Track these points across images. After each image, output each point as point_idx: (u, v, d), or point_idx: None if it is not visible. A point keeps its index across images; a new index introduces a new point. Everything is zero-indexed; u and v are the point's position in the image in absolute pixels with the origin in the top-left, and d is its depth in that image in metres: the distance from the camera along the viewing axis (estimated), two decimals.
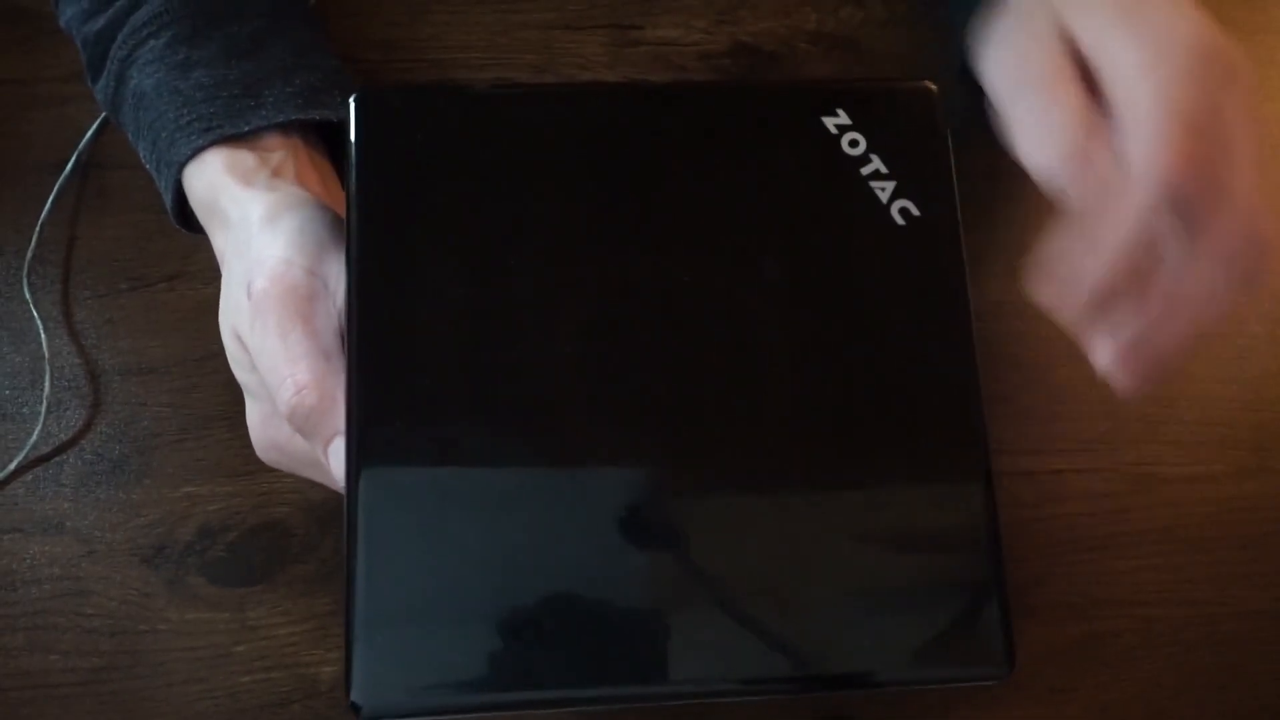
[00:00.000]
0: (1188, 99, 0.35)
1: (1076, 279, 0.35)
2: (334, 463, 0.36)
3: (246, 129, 0.42)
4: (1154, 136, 0.34)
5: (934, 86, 0.39)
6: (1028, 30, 0.38)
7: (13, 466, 0.49)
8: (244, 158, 0.42)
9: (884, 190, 0.38)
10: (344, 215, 0.38)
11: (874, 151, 0.38)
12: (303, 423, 0.37)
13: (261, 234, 0.39)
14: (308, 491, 0.49)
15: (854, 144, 0.38)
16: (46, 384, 0.50)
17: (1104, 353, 0.36)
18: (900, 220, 0.38)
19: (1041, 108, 0.36)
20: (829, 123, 0.38)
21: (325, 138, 0.46)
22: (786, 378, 0.36)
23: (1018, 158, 0.36)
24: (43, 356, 0.50)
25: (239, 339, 0.39)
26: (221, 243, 0.42)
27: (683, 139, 0.38)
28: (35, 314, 0.51)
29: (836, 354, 0.37)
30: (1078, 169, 0.35)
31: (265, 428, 0.41)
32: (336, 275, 0.38)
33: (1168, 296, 0.35)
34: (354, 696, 0.33)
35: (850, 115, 0.38)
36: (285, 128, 0.44)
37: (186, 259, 0.52)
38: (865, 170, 0.38)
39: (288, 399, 0.36)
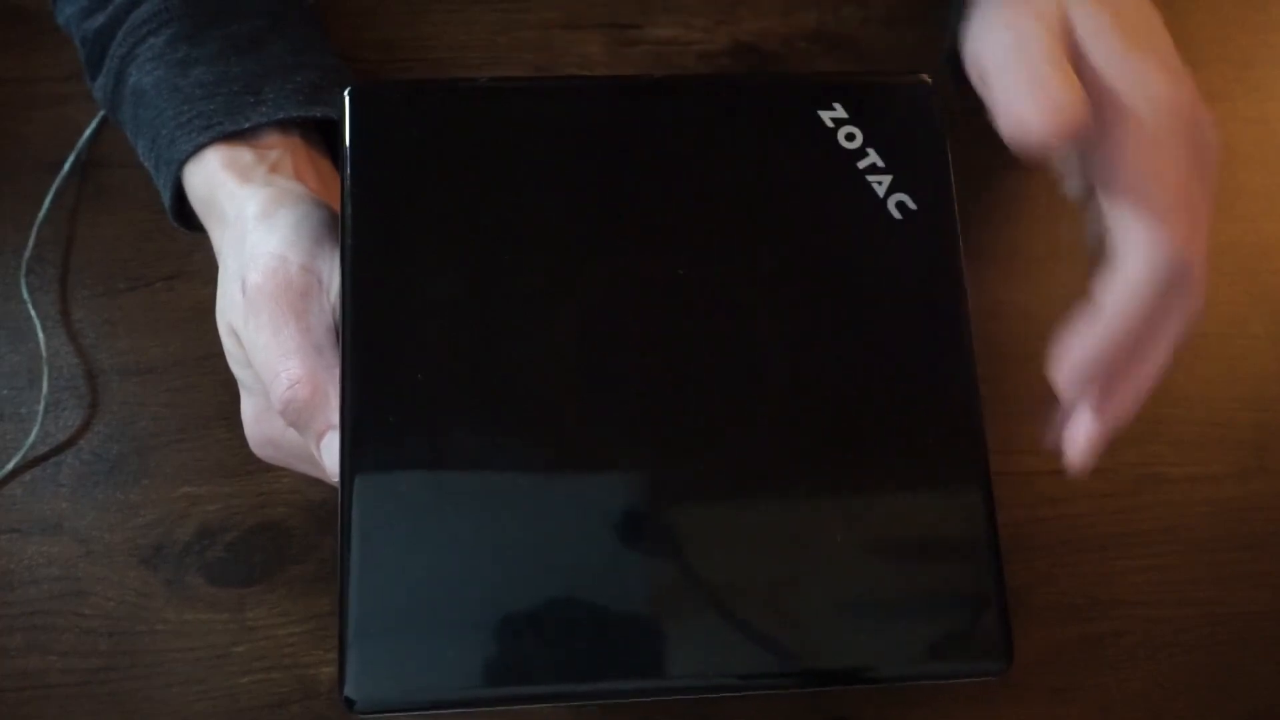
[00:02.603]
0: (1186, 181, 0.36)
1: (1080, 357, 0.36)
2: (327, 456, 0.37)
3: (247, 125, 0.42)
4: (1160, 217, 0.35)
5: (930, 80, 0.39)
6: (1028, 10, 0.37)
7: (10, 467, 0.49)
8: (242, 154, 0.42)
9: (881, 184, 0.38)
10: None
11: (871, 145, 0.38)
12: (296, 416, 0.37)
13: (257, 229, 0.39)
14: (307, 491, 0.49)
15: (850, 137, 0.38)
16: (44, 384, 0.50)
17: (1076, 446, 0.38)
18: (897, 214, 0.38)
19: (1043, 76, 0.35)
20: (826, 116, 0.38)
21: (325, 137, 0.46)
22: (784, 373, 0.36)
23: (1006, 129, 0.36)
24: (41, 356, 0.50)
25: (234, 334, 0.39)
26: (219, 239, 0.42)
27: (679, 133, 0.38)
28: (33, 314, 0.51)
29: (835, 346, 0.37)
30: (1076, 131, 0.35)
31: (259, 423, 0.41)
32: (331, 270, 0.38)
33: (1134, 381, 0.38)
34: (348, 691, 0.33)
35: (847, 109, 0.38)
36: (285, 126, 0.44)
37: (185, 259, 0.52)
38: (862, 164, 0.38)
39: (281, 392, 0.37)
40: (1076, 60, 0.37)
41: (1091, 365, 0.36)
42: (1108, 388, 0.38)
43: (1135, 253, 0.36)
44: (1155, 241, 0.35)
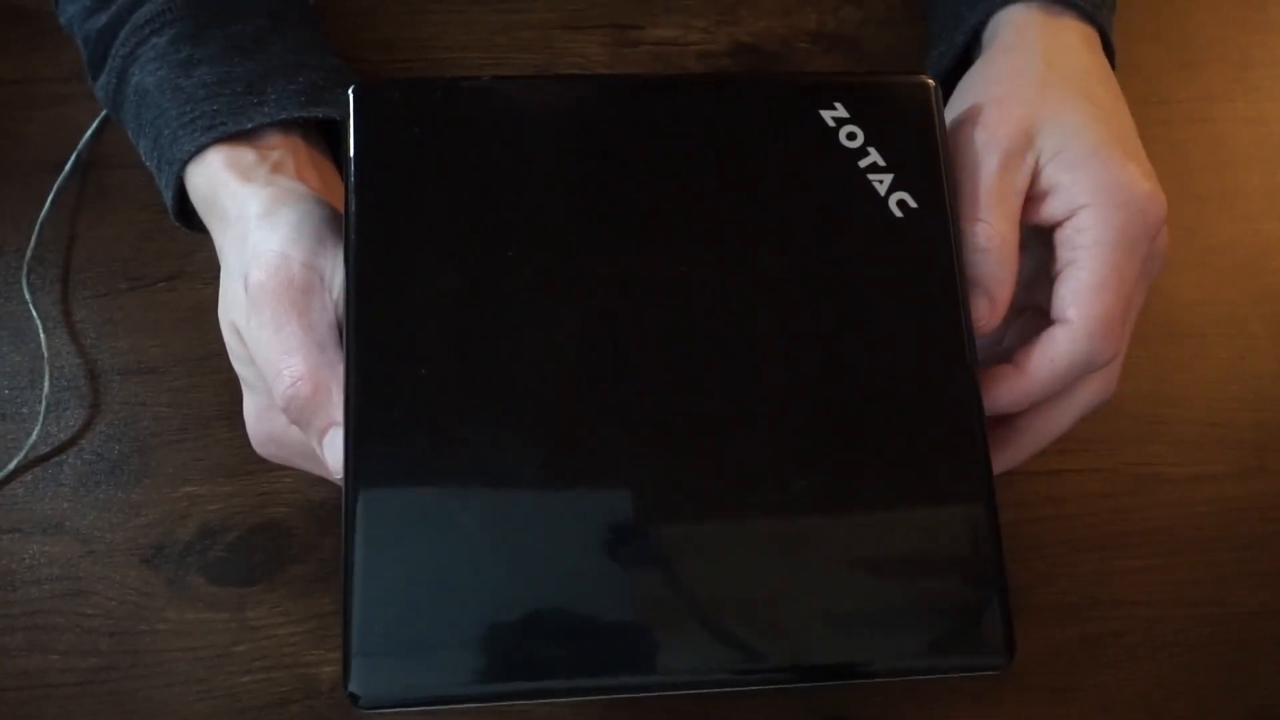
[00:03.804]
0: (1133, 291, 0.40)
1: (990, 404, 0.39)
2: (329, 453, 0.37)
3: (249, 125, 0.42)
4: (1104, 325, 0.39)
5: (931, 80, 0.39)
6: (1002, 114, 0.40)
7: (12, 466, 0.49)
8: (244, 154, 0.42)
9: (882, 183, 0.38)
10: (342, 210, 0.38)
11: (872, 144, 0.38)
12: (298, 414, 0.37)
13: (259, 228, 0.39)
14: (307, 491, 0.49)
15: (852, 137, 0.38)
16: (46, 384, 0.50)
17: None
18: (898, 213, 0.38)
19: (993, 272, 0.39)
20: (827, 116, 0.38)
21: (327, 137, 0.46)
22: (786, 373, 0.36)
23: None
24: (42, 356, 0.50)
25: (237, 332, 0.39)
26: (220, 238, 0.42)
27: (681, 132, 0.38)
28: (34, 314, 0.51)
29: (836, 345, 0.37)
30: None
31: (261, 420, 0.41)
32: (333, 268, 0.38)
33: (1033, 435, 0.41)
34: (352, 686, 0.33)
35: (848, 108, 0.38)
36: (286, 126, 0.44)
37: (186, 259, 0.52)
38: (863, 163, 0.38)
39: (283, 389, 0.37)
40: (1037, 174, 0.40)
41: (997, 413, 0.40)
42: (1005, 435, 0.41)
43: (1069, 344, 0.39)
44: (1090, 339, 0.39)
